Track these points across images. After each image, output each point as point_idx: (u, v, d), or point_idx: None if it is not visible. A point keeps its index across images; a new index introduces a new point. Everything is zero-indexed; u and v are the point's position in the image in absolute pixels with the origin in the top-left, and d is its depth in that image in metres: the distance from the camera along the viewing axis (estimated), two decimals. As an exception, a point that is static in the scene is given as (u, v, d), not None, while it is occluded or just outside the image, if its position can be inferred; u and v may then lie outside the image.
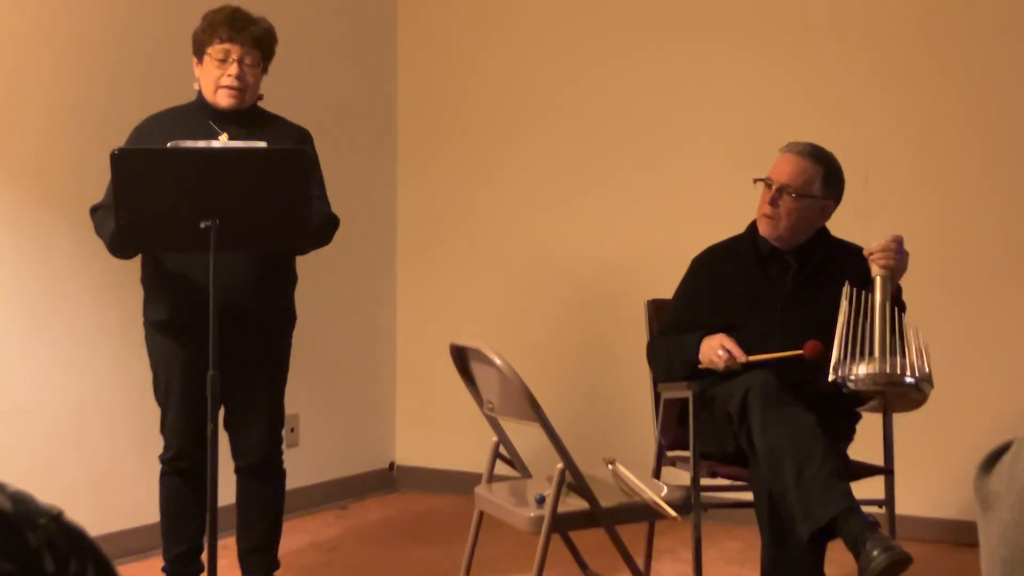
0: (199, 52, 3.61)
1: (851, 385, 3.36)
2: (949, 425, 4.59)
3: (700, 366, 3.62)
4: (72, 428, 4.28)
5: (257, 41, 3.58)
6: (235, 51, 3.55)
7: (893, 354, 3.36)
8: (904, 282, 3.62)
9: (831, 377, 3.38)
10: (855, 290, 3.45)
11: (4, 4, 4.08)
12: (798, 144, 3.73)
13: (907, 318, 3.48)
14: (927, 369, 3.36)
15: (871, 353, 3.36)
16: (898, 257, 3.49)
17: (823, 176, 3.69)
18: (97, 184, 3.64)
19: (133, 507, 4.31)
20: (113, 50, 4.41)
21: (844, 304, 3.45)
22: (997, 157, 4.67)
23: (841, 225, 3.84)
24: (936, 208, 4.73)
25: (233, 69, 3.56)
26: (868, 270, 3.51)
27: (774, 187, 3.67)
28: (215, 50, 3.56)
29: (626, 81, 5.25)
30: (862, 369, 3.34)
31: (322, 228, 3.60)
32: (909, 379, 3.34)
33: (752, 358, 3.53)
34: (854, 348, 3.37)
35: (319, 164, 3.67)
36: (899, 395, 3.43)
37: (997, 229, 4.66)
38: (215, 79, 3.57)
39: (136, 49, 4.47)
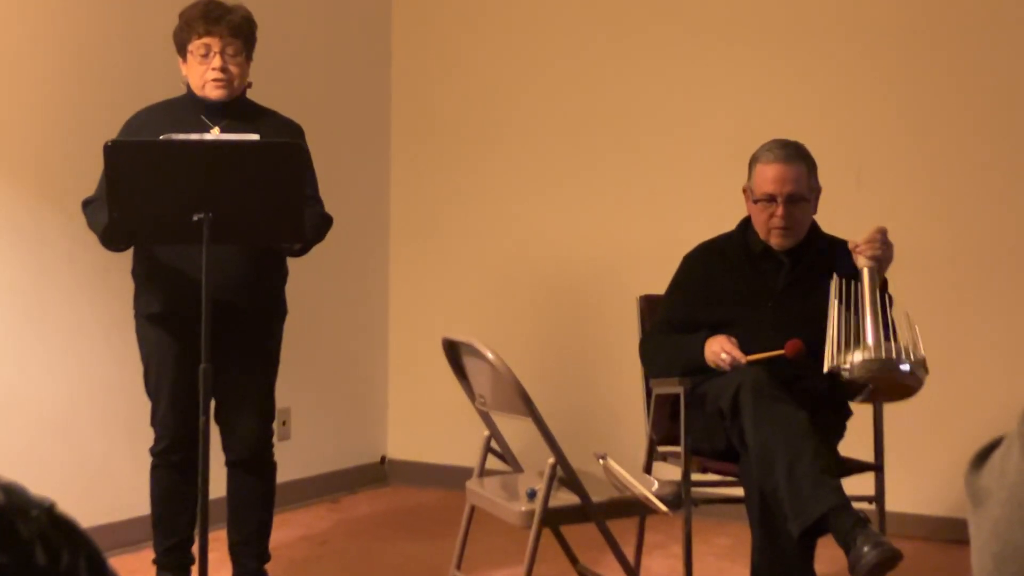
0: (181, 51, 3.60)
1: (845, 374, 3.37)
2: (939, 422, 4.60)
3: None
4: (64, 420, 4.28)
5: (235, 30, 3.57)
6: (215, 44, 3.54)
7: (886, 340, 3.37)
8: (894, 278, 3.63)
9: (826, 368, 3.39)
10: (843, 281, 3.46)
11: (2, 3, 4.08)
12: (774, 151, 3.69)
13: (896, 309, 3.48)
14: (921, 355, 3.37)
15: (864, 342, 3.37)
16: (883, 248, 3.50)
17: (809, 170, 3.71)
18: (91, 178, 3.63)
19: (124, 499, 4.31)
20: (109, 47, 4.41)
21: (833, 296, 3.46)
22: (989, 153, 4.67)
23: (833, 222, 3.84)
24: (928, 205, 4.73)
25: (216, 62, 3.54)
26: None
27: (782, 200, 3.65)
28: (195, 46, 3.55)
29: (618, 78, 5.25)
30: (856, 356, 3.35)
31: (316, 228, 3.60)
32: (904, 366, 3.35)
33: (749, 358, 3.54)
34: (847, 339, 3.38)
35: (311, 161, 3.66)
36: (893, 382, 3.43)
37: (988, 226, 4.66)
38: (201, 75, 3.56)
39: (131, 46, 4.46)
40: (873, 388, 3.49)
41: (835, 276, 3.49)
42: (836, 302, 3.45)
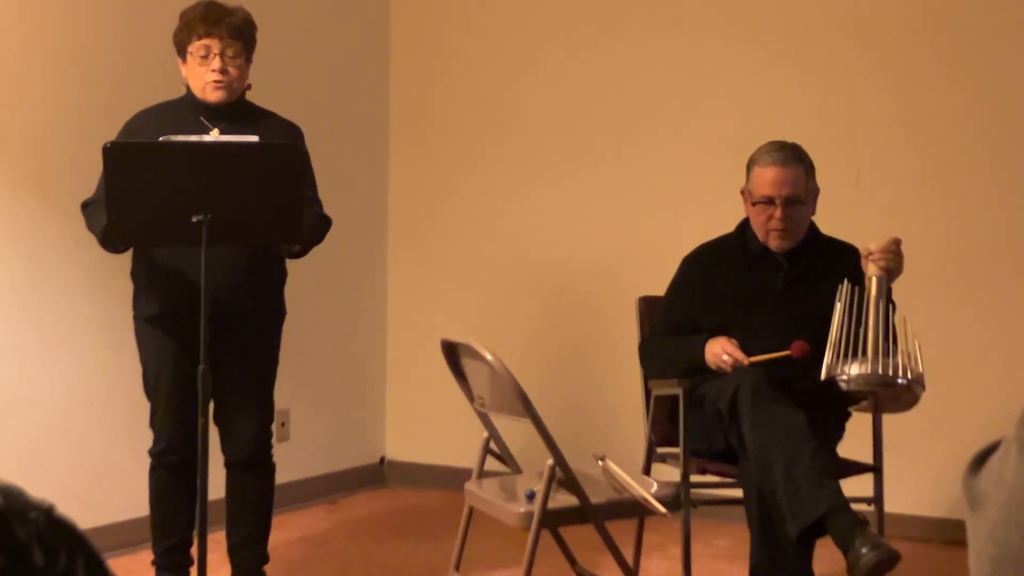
0: (181, 52, 3.60)
1: (843, 385, 3.37)
2: (938, 424, 4.60)
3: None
4: (62, 422, 4.28)
5: (236, 32, 3.57)
6: (215, 45, 3.54)
7: (886, 355, 3.36)
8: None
9: (823, 375, 3.38)
10: (852, 288, 3.46)
11: (2, 3, 4.08)
12: (771, 153, 3.69)
13: (897, 316, 3.48)
14: (920, 371, 3.37)
15: (864, 353, 3.36)
16: (896, 260, 3.50)
17: (807, 172, 3.71)
18: (90, 179, 3.63)
19: (123, 501, 4.31)
20: (109, 48, 4.41)
21: (839, 303, 3.45)
22: (989, 154, 4.67)
23: (832, 222, 3.84)
24: (927, 205, 4.73)
25: (216, 64, 3.54)
26: (859, 268, 3.51)
27: (780, 203, 3.65)
28: (195, 47, 3.55)
29: (617, 78, 5.25)
30: (854, 369, 3.34)
31: (315, 229, 3.60)
32: (901, 380, 3.34)
33: (752, 359, 3.54)
34: (847, 348, 3.38)
35: (310, 163, 3.66)
36: (890, 396, 3.44)
37: (988, 226, 4.66)
38: (200, 76, 3.56)
39: (131, 46, 4.46)
40: (869, 401, 3.50)
41: (845, 282, 3.48)
42: (840, 308, 3.44)
